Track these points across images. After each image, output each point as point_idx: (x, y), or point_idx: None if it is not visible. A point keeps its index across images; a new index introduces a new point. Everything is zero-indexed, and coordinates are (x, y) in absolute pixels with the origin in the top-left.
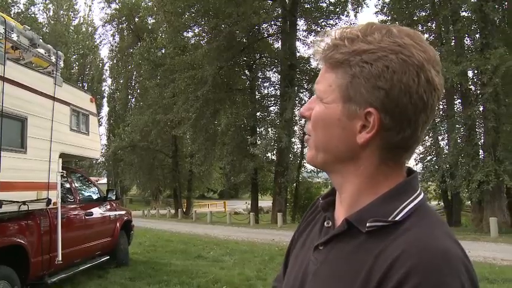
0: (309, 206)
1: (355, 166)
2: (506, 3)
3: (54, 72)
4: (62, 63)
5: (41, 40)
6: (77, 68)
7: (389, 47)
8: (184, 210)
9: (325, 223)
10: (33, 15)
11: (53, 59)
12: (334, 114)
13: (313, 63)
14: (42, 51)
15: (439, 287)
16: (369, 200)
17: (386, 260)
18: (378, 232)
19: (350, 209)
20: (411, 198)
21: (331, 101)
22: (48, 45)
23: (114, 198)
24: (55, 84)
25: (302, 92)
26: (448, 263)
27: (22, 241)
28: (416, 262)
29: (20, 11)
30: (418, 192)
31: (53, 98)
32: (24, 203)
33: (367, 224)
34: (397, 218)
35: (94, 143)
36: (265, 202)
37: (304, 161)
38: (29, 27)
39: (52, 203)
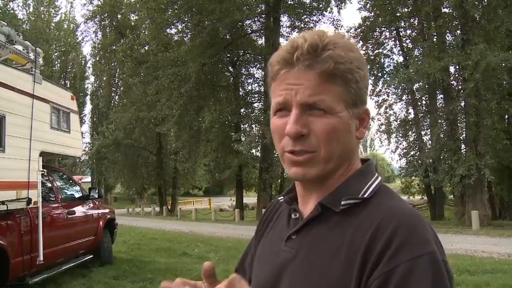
0: (266, 209)
1: (349, 161)
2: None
3: (33, 69)
4: (41, 60)
5: (19, 36)
6: (59, 65)
7: (359, 52)
8: (169, 207)
9: (292, 215)
10: (12, 11)
11: (32, 56)
12: (346, 121)
13: None
14: (20, 48)
15: (420, 237)
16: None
17: (370, 226)
18: (351, 209)
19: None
20: (373, 179)
21: (342, 109)
22: (26, 42)
23: (96, 196)
24: (34, 81)
25: None
26: (421, 221)
27: (1, 242)
28: (398, 222)
29: None
30: (376, 175)
31: (32, 96)
32: (3, 202)
33: (342, 202)
34: (366, 195)
35: (75, 141)
36: (250, 198)
37: None
38: (6, 23)
39: (32, 202)
